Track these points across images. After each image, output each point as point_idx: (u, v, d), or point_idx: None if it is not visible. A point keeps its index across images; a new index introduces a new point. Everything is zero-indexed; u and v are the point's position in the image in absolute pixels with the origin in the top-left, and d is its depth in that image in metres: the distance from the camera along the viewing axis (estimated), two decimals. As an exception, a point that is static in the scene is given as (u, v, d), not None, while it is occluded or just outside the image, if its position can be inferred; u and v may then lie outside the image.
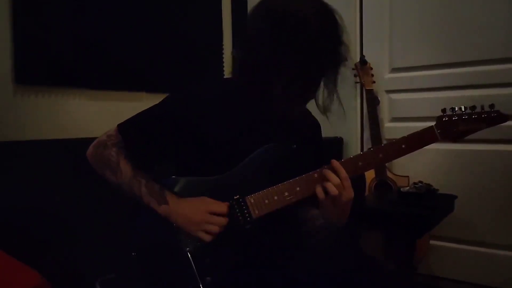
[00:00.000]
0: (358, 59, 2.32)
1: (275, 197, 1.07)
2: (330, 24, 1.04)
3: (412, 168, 2.21)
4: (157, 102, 1.16)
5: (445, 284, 2.22)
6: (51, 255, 1.43)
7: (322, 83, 1.09)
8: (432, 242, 2.23)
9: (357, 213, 1.14)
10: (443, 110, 1.13)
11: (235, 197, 1.07)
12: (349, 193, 1.05)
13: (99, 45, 1.86)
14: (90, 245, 1.52)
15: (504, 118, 1.11)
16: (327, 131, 1.33)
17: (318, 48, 1.01)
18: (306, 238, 1.17)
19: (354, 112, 2.50)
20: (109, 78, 1.93)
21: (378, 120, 2.24)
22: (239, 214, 1.06)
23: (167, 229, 1.06)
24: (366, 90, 2.27)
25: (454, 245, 2.23)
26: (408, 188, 1.86)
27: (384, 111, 2.41)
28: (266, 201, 1.07)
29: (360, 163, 1.09)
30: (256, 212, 1.07)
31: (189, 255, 1.04)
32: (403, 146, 1.11)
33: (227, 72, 2.49)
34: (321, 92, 1.10)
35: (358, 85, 2.44)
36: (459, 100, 1.13)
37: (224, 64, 2.49)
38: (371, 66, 2.30)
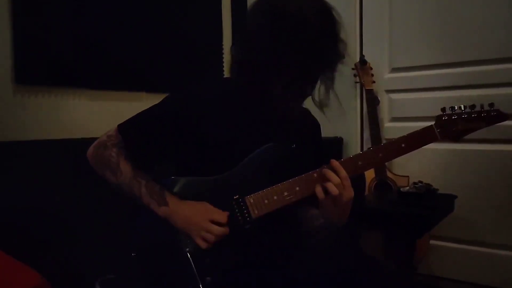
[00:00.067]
0: (358, 59, 2.32)
1: (275, 197, 1.07)
2: (330, 22, 1.04)
3: (412, 168, 2.21)
4: (157, 102, 1.16)
5: (445, 284, 2.22)
6: (51, 255, 1.43)
7: (319, 80, 1.08)
8: (432, 242, 2.23)
9: (357, 213, 1.14)
10: (443, 109, 1.13)
11: (234, 197, 1.07)
12: (349, 193, 1.05)
13: (99, 45, 1.85)
14: (90, 245, 1.51)
15: (503, 116, 1.10)
16: (327, 131, 1.33)
17: (318, 46, 1.01)
18: (306, 238, 1.17)
19: (354, 112, 2.50)
20: (109, 78, 1.93)
21: (378, 120, 2.24)
22: (238, 214, 1.06)
23: (167, 229, 1.06)
24: (366, 90, 2.27)
25: (454, 245, 2.23)
26: (408, 188, 1.86)
27: (384, 111, 2.41)
28: (266, 201, 1.07)
29: (359, 163, 1.09)
30: (256, 212, 1.07)
31: (189, 255, 1.04)
32: (403, 145, 1.11)
33: (227, 72, 2.48)
34: (317, 89, 1.09)
35: (358, 85, 2.44)
36: (459, 100, 1.13)
37: (224, 64, 2.49)
38: (371, 66, 2.30)
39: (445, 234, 2.22)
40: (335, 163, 1.06)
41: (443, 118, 1.12)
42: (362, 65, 2.29)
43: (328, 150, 2.22)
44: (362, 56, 2.33)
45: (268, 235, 1.09)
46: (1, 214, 1.37)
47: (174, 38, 2.19)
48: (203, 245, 1.02)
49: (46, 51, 1.69)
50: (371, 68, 2.30)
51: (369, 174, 2.13)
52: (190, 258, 1.04)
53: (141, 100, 2.08)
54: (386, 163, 2.17)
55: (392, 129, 2.36)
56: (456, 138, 1.13)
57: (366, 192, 2.11)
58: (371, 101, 2.25)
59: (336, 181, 1.04)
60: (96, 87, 1.90)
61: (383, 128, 2.37)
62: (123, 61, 1.96)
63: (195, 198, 1.08)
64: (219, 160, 1.10)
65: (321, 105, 1.10)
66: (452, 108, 1.12)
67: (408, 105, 2.33)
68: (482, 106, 1.11)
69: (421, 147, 1.11)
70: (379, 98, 2.36)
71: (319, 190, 1.05)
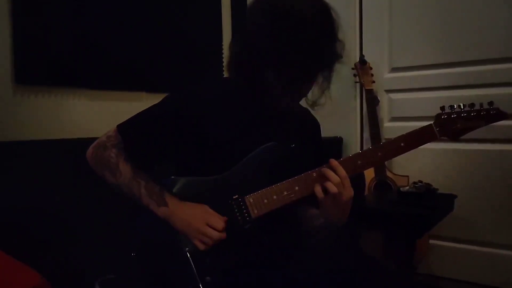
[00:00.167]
0: (357, 59, 2.32)
1: (274, 197, 1.07)
2: (329, 22, 1.04)
3: (411, 168, 2.21)
4: (157, 102, 1.16)
5: (445, 284, 2.22)
6: (51, 255, 1.43)
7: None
8: (432, 241, 2.23)
9: (357, 213, 1.14)
10: (442, 108, 1.13)
11: (234, 197, 1.07)
12: (349, 192, 1.06)
13: (99, 45, 1.85)
14: (90, 245, 1.51)
15: (503, 115, 1.11)
16: (327, 131, 1.33)
17: (317, 45, 1.01)
18: (306, 238, 1.17)
19: (353, 112, 2.50)
20: (109, 78, 1.93)
21: (378, 120, 2.24)
22: (238, 214, 1.06)
23: (167, 229, 1.06)
24: (365, 90, 2.27)
25: (454, 245, 2.23)
26: (407, 187, 1.86)
27: (384, 111, 2.41)
28: (265, 201, 1.07)
29: (359, 162, 1.10)
30: (255, 211, 1.07)
31: (189, 255, 1.05)
32: (402, 144, 1.11)
33: (226, 72, 2.49)
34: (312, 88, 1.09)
35: (358, 85, 2.44)
36: (459, 99, 1.13)
37: (224, 64, 2.49)
38: (371, 66, 2.30)
39: (445, 234, 2.22)
40: (334, 162, 1.06)
41: (442, 117, 1.12)
42: (362, 65, 2.29)
43: (328, 150, 2.22)
44: (362, 56, 2.33)
45: (268, 235, 1.09)
46: (1, 214, 1.37)
47: (174, 38, 2.19)
48: (201, 247, 1.03)
49: (46, 51, 1.69)
50: (371, 68, 2.30)
51: (369, 174, 2.13)
52: (190, 258, 1.04)
53: (141, 100, 2.07)
54: (385, 163, 2.17)
55: (392, 129, 2.36)
56: (455, 136, 1.13)
57: (366, 192, 2.11)
58: (371, 101, 2.25)
59: (335, 180, 1.04)
60: (96, 87, 1.90)
61: (383, 128, 2.37)
62: (123, 61, 1.96)
63: (195, 198, 1.08)
64: (219, 160, 1.10)
65: (313, 105, 1.10)
66: (451, 106, 1.12)
67: (408, 105, 2.33)
68: (481, 105, 1.11)
69: (420, 146, 1.11)
70: (378, 98, 2.36)
71: (318, 190, 1.05)
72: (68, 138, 1.68)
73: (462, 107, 1.12)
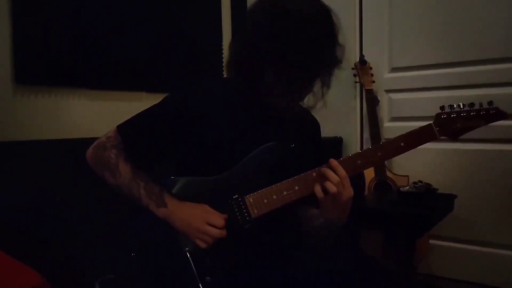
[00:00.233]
0: (357, 59, 2.32)
1: (274, 197, 1.07)
2: (329, 22, 1.05)
3: (411, 168, 2.21)
4: (157, 102, 1.16)
5: (445, 284, 2.22)
6: (51, 255, 1.43)
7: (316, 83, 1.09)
8: (432, 241, 2.23)
9: (357, 213, 1.14)
10: (442, 108, 1.13)
11: (234, 197, 1.07)
12: (349, 192, 1.06)
13: (99, 45, 1.86)
14: (90, 245, 1.52)
15: (502, 114, 1.11)
16: (327, 131, 1.33)
17: (317, 45, 1.01)
18: (306, 238, 1.17)
19: (353, 112, 2.50)
20: (109, 78, 1.93)
21: (378, 120, 2.24)
22: (238, 214, 1.06)
23: (166, 230, 1.06)
24: (365, 90, 2.27)
25: (454, 245, 2.23)
26: (407, 187, 1.86)
27: (384, 111, 2.41)
28: (265, 201, 1.07)
29: (359, 162, 1.10)
30: (255, 211, 1.07)
31: (189, 255, 1.04)
32: (402, 144, 1.11)
33: (226, 72, 2.49)
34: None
35: (358, 85, 2.44)
36: (459, 99, 1.13)
37: (224, 64, 2.49)
38: (371, 65, 2.30)
39: (445, 234, 2.22)
40: (334, 162, 1.07)
41: (442, 117, 1.12)
42: (362, 65, 2.29)
43: (328, 150, 2.22)
44: (361, 56, 2.33)
45: (268, 235, 1.09)
46: (1, 214, 1.37)
47: (174, 38, 2.19)
48: (202, 245, 1.03)
49: (46, 51, 1.69)
50: (371, 68, 2.30)
51: (369, 174, 2.13)
52: (190, 258, 1.04)
53: (141, 100, 2.08)
54: (385, 163, 2.17)
55: (392, 129, 2.36)
56: (455, 136, 1.13)
57: (366, 192, 2.11)
58: (371, 101, 2.25)
59: (335, 180, 1.04)
60: (96, 87, 1.90)
61: (383, 128, 2.37)
62: (123, 61, 1.96)
63: (195, 198, 1.08)
64: (219, 160, 1.10)
65: (310, 108, 1.11)
66: (451, 106, 1.12)
67: (407, 105, 2.33)
68: (481, 105, 1.11)
69: (420, 145, 1.11)
70: (378, 98, 2.36)
71: (318, 189, 1.06)
72: (68, 138, 1.68)
73: (461, 107, 1.12)
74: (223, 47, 2.50)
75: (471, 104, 1.11)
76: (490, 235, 2.13)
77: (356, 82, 2.39)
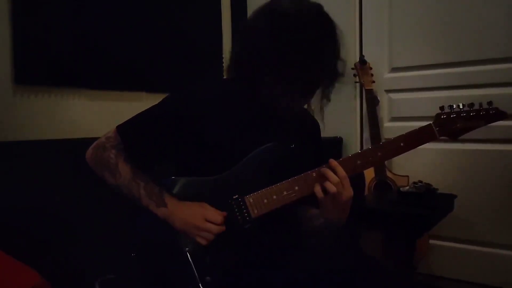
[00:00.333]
0: (357, 59, 2.32)
1: (274, 197, 1.07)
2: (329, 23, 1.06)
3: (411, 168, 2.21)
4: (157, 102, 1.16)
5: (445, 284, 2.22)
6: (51, 255, 1.43)
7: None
8: (432, 241, 2.23)
9: (357, 213, 1.14)
10: (441, 108, 1.13)
11: (234, 197, 1.07)
12: (349, 192, 1.06)
13: (99, 45, 1.86)
14: (90, 245, 1.52)
15: (502, 115, 1.11)
16: (326, 131, 1.33)
17: (317, 46, 1.02)
18: (306, 238, 1.17)
19: (353, 112, 2.50)
20: (109, 78, 1.93)
21: (378, 120, 2.24)
22: (238, 214, 1.06)
23: (166, 229, 1.06)
24: (365, 90, 2.27)
25: (454, 245, 2.23)
26: (407, 187, 1.86)
27: (384, 111, 2.41)
28: (265, 201, 1.07)
29: (358, 162, 1.10)
30: (255, 211, 1.07)
31: (189, 255, 1.05)
32: (402, 144, 1.11)
33: (226, 73, 2.49)
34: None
35: (358, 85, 2.44)
36: (459, 99, 1.13)
37: (224, 64, 2.49)
38: (371, 65, 2.30)
39: (445, 234, 2.22)
40: (333, 162, 1.07)
41: (442, 117, 1.12)
42: (362, 65, 2.29)
43: (328, 150, 2.21)
44: (361, 56, 2.33)
45: (268, 235, 1.10)
46: (1, 214, 1.37)
47: (174, 38, 2.19)
48: (202, 242, 1.03)
49: (45, 51, 1.69)
50: (371, 68, 2.30)
51: (369, 174, 2.13)
52: (190, 258, 1.04)
53: (141, 100, 2.08)
54: (385, 163, 2.17)
55: (392, 129, 2.36)
56: (455, 136, 1.13)
57: (366, 192, 2.11)
58: (371, 101, 2.24)
59: (334, 180, 1.04)
60: (96, 87, 1.90)
61: (383, 128, 2.37)
62: (123, 61, 1.96)
63: (195, 198, 1.08)
64: (219, 160, 1.10)
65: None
66: (451, 106, 1.12)
67: (407, 105, 2.33)
68: (480, 105, 1.11)
69: (420, 145, 1.11)
70: (378, 98, 2.36)
71: (318, 190, 1.06)
72: (68, 138, 1.68)
73: (461, 107, 1.12)
74: (223, 47, 2.50)
75: (471, 104, 1.11)
76: (490, 235, 2.13)
77: (356, 82, 2.38)
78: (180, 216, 1.05)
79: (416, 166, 2.22)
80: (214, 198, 1.07)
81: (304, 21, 1.03)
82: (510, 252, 2.09)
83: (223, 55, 2.48)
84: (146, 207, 1.07)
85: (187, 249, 1.05)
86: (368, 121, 2.22)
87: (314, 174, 1.08)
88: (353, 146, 2.48)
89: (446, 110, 1.13)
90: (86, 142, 1.16)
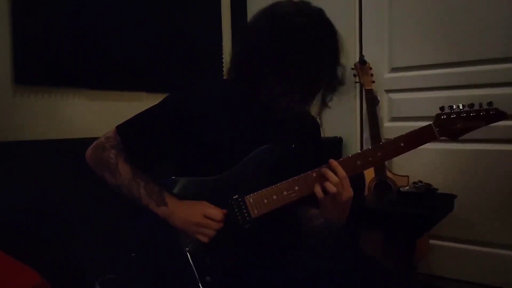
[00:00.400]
0: (357, 59, 2.32)
1: (274, 197, 1.07)
2: (328, 24, 1.07)
3: (411, 168, 2.21)
4: (157, 102, 1.16)
5: (445, 284, 2.22)
6: (51, 255, 1.43)
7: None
8: (432, 241, 2.23)
9: (357, 213, 1.14)
10: (441, 108, 1.13)
11: (234, 197, 1.07)
12: (348, 192, 1.06)
13: (99, 45, 1.86)
14: (90, 245, 1.52)
15: (502, 115, 1.11)
16: (326, 131, 1.33)
17: (317, 46, 1.03)
18: (306, 238, 1.17)
19: (353, 112, 2.50)
20: (109, 78, 1.93)
21: (378, 120, 2.24)
22: (238, 214, 1.06)
23: (167, 229, 1.06)
24: (365, 90, 2.27)
25: (454, 245, 2.23)
26: (407, 187, 1.86)
27: (384, 111, 2.41)
28: (265, 201, 1.07)
29: (358, 162, 1.10)
30: (255, 211, 1.07)
31: (189, 255, 1.05)
32: (402, 144, 1.11)
33: (227, 74, 2.49)
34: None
35: (358, 85, 2.44)
36: (459, 99, 1.13)
37: (224, 64, 2.49)
38: (371, 65, 2.30)
39: (445, 234, 2.22)
40: (333, 162, 1.07)
41: (442, 117, 1.12)
42: (362, 65, 2.28)
43: (328, 150, 2.22)
44: (361, 56, 2.33)
45: (268, 235, 1.10)
46: (1, 214, 1.37)
47: (174, 38, 2.19)
48: (203, 239, 1.03)
49: (45, 51, 1.69)
50: (371, 68, 2.30)
51: (369, 174, 2.13)
52: (190, 258, 1.04)
53: (141, 100, 2.08)
54: (385, 163, 2.17)
55: (391, 129, 2.36)
56: (455, 137, 1.13)
57: (366, 192, 2.11)
58: (371, 101, 2.24)
59: (334, 180, 1.04)
60: (96, 87, 1.90)
61: (383, 128, 2.37)
62: (123, 61, 1.96)
63: (195, 198, 1.08)
64: (219, 160, 1.10)
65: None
66: (451, 107, 1.12)
67: (407, 105, 2.33)
68: (480, 105, 1.11)
69: (420, 146, 1.11)
70: (378, 98, 2.35)
71: (318, 190, 1.06)
72: (68, 138, 1.68)
73: (461, 107, 1.12)
74: (223, 47, 2.50)
75: (471, 105, 1.11)
76: (490, 235, 2.13)
77: (356, 82, 2.38)
78: (180, 215, 1.05)
79: (416, 166, 2.22)
80: (214, 198, 1.07)
81: (304, 22, 1.04)
82: (510, 252, 2.09)
83: (223, 55, 2.48)
84: (146, 206, 1.07)
85: (187, 249, 1.05)
86: (368, 121, 2.22)
87: (314, 174, 1.08)
88: (353, 146, 2.48)
89: (446, 110, 1.13)
90: (86, 142, 1.16)
